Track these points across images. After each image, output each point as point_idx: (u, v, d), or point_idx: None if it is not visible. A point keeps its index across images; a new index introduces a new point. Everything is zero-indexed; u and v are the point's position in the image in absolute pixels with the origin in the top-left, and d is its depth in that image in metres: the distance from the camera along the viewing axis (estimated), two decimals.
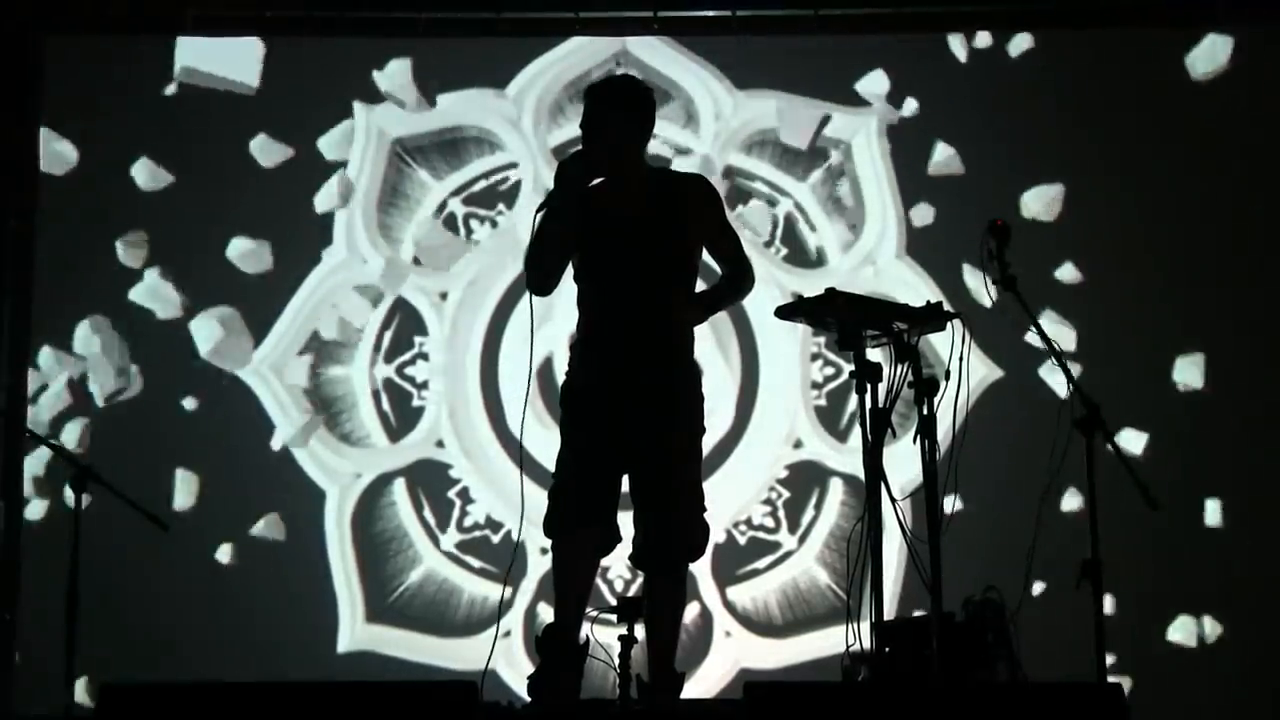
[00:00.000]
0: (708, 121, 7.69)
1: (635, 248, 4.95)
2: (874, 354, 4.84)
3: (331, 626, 7.39)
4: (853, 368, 4.79)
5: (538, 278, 5.01)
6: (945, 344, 4.89)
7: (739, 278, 5.15)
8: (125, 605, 7.13)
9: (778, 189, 7.64)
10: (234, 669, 6.90)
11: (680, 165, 7.49)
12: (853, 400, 7.24)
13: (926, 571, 4.71)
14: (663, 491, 4.94)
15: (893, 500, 4.79)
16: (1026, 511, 5.11)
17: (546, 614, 7.09)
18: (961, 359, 4.76)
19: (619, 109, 4.98)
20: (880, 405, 4.72)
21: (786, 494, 7.46)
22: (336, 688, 4.05)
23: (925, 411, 4.76)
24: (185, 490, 7.39)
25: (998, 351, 7.31)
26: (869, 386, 4.73)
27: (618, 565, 6.16)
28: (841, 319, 4.80)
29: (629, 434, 4.92)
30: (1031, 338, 6.74)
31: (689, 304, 5.06)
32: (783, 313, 5.02)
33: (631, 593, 6.53)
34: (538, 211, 4.98)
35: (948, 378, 4.76)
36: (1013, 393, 7.37)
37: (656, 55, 7.76)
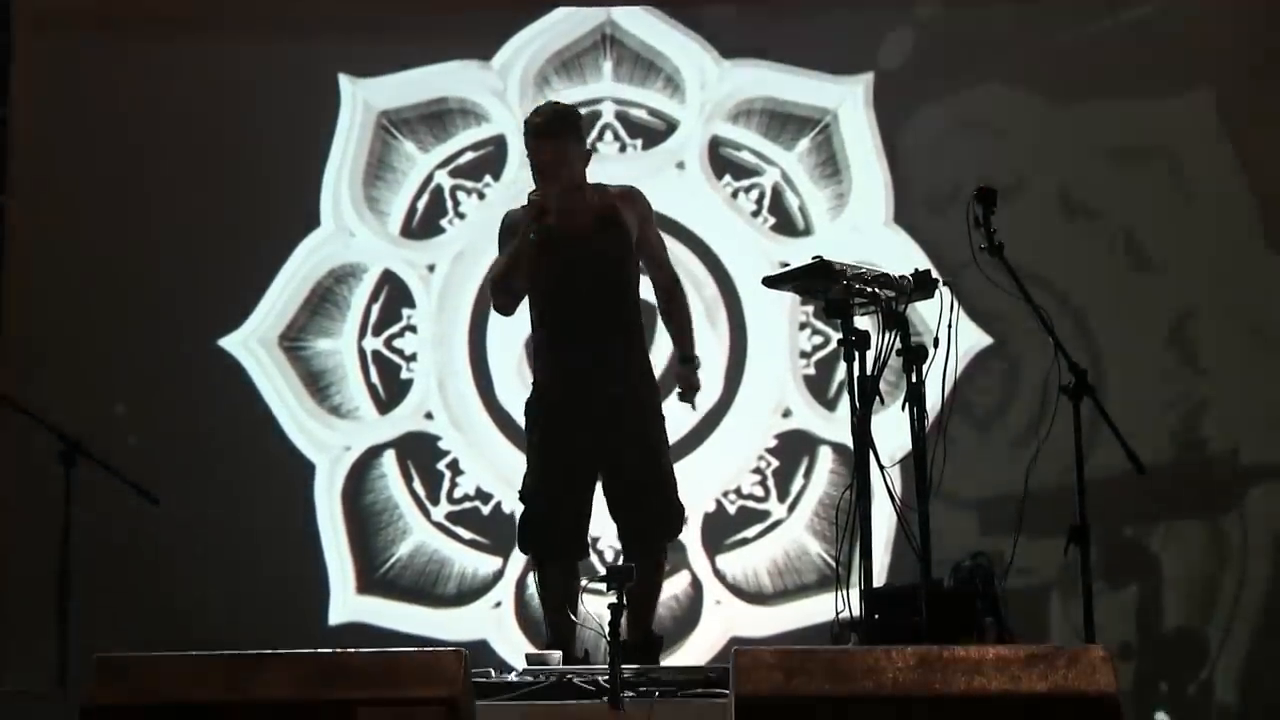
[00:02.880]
0: (694, 91, 7.67)
1: (586, 263, 5.29)
2: (862, 322, 4.85)
3: (322, 599, 7.40)
4: (841, 336, 4.81)
5: (506, 301, 5.38)
6: (934, 312, 4.91)
7: (671, 287, 5.54)
8: (114, 579, 7.13)
9: (765, 158, 7.63)
10: (224, 642, 6.91)
11: (670, 136, 7.57)
12: (841, 369, 7.24)
13: (915, 539, 4.74)
14: (641, 485, 5.30)
15: (881, 468, 4.81)
16: (1014, 478, 5.12)
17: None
18: (949, 326, 4.78)
19: (566, 137, 5.32)
20: (868, 373, 4.73)
21: (776, 463, 7.46)
22: (329, 656, 4.06)
23: (914, 379, 4.77)
24: (174, 464, 7.37)
25: (986, 318, 7.32)
26: (857, 355, 4.75)
27: (609, 535, 6.16)
28: (829, 287, 4.81)
29: (600, 440, 5.26)
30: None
31: (683, 372, 5.50)
32: (770, 282, 5.05)
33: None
34: (506, 235, 5.37)
35: (936, 345, 4.78)
36: (1002, 359, 7.38)
37: (642, 25, 7.72)
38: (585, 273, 5.30)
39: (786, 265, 5.37)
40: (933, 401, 4.89)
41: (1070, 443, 4.86)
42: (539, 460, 5.35)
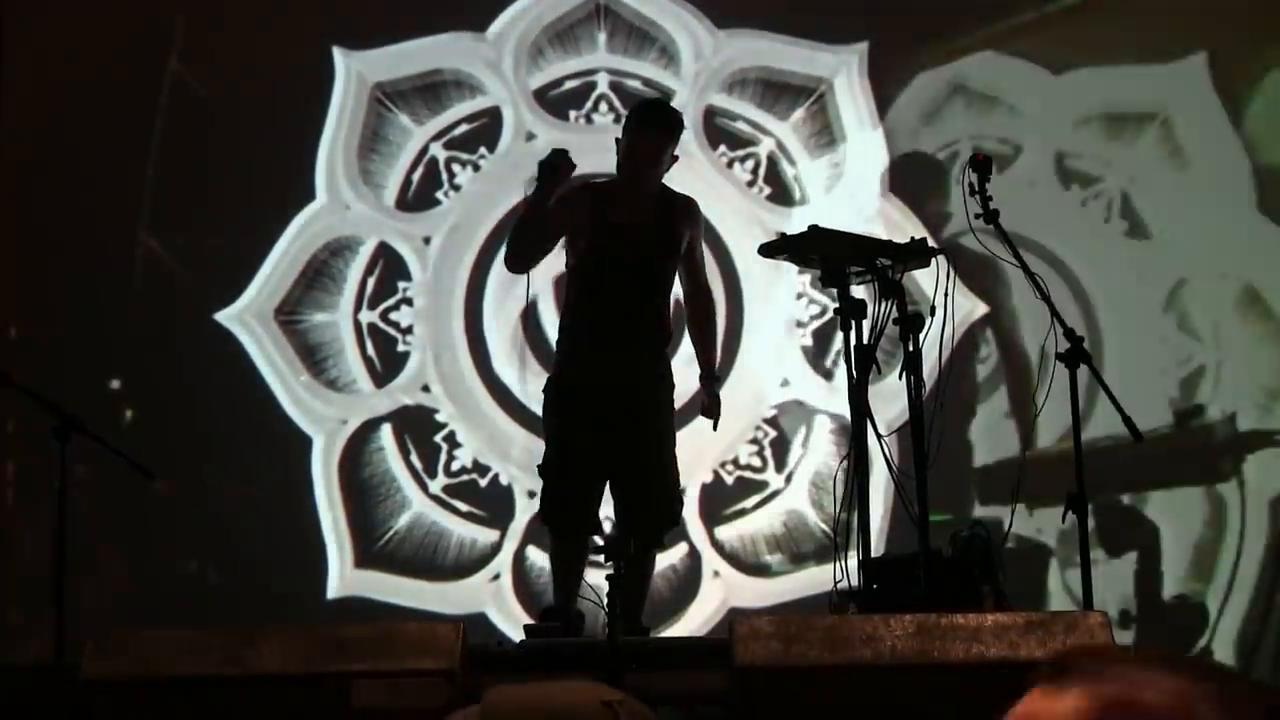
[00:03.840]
0: (688, 62, 7.63)
1: (640, 256, 5.37)
2: (858, 291, 4.84)
3: (319, 573, 7.40)
4: (837, 305, 4.80)
5: (521, 261, 5.48)
6: (930, 280, 4.90)
7: (706, 302, 5.66)
8: (112, 555, 7.13)
9: (760, 128, 7.60)
10: (222, 617, 6.91)
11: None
12: (838, 338, 7.24)
13: (913, 507, 4.74)
14: (649, 478, 5.39)
15: (879, 436, 4.81)
16: (1011, 446, 5.12)
17: (536, 556, 7.13)
18: (946, 295, 4.77)
19: (669, 138, 5.38)
20: (865, 342, 4.73)
21: (773, 433, 7.46)
22: (326, 629, 4.06)
23: (910, 348, 4.76)
24: (170, 439, 7.36)
25: (982, 286, 7.30)
26: (854, 324, 4.74)
27: (606, 507, 6.14)
28: (825, 256, 4.81)
29: (617, 430, 5.34)
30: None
31: (708, 385, 5.58)
32: (766, 250, 5.05)
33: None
34: (539, 178, 5.40)
35: (933, 314, 4.77)
36: (998, 327, 7.37)
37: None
38: (631, 269, 5.37)
39: (782, 234, 5.35)
40: (929, 370, 4.88)
41: (1067, 410, 4.85)
42: (559, 441, 5.45)
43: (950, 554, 5.04)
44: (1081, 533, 4.83)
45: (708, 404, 5.55)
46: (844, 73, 7.57)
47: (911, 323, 4.78)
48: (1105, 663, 1.29)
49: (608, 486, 5.45)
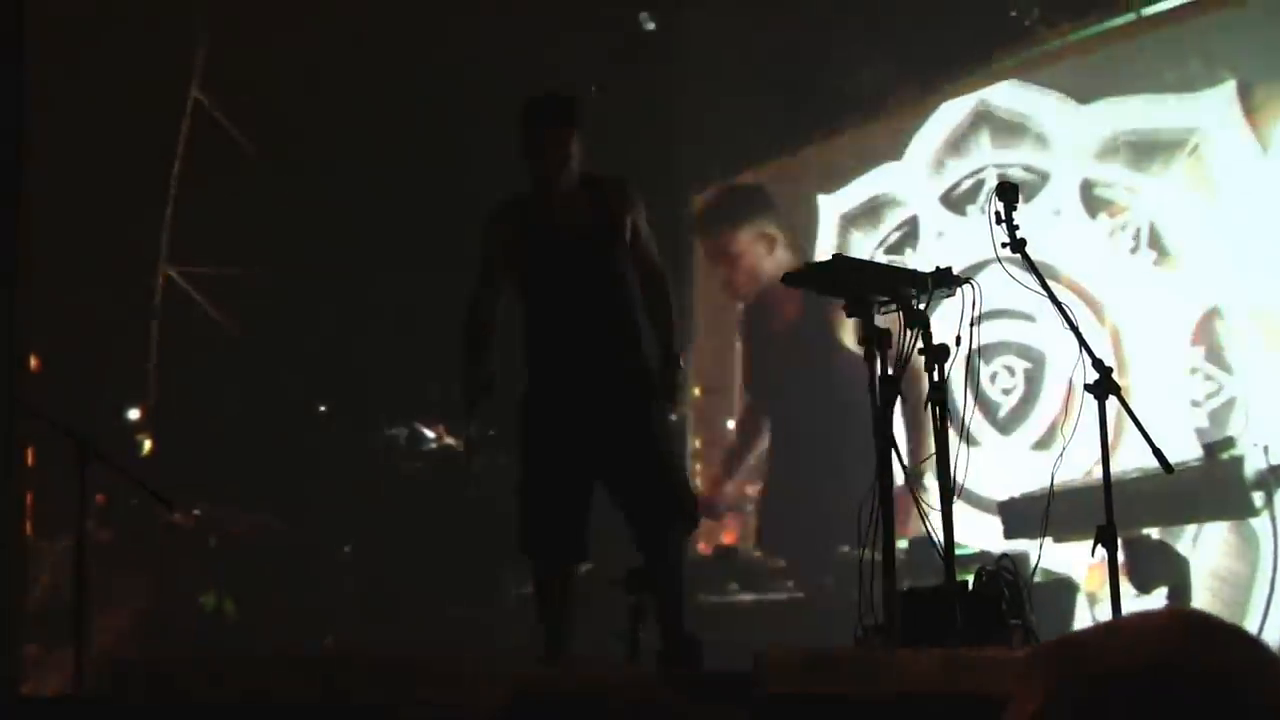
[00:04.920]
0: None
1: (581, 252, 5.24)
2: (883, 320, 4.83)
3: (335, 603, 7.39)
4: (863, 333, 4.79)
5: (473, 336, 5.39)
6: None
7: (656, 280, 5.41)
8: (131, 586, 7.15)
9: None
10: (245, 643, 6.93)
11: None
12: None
13: (939, 541, 4.71)
14: (643, 479, 5.22)
15: (904, 469, 4.78)
16: (1039, 479, 5.10)
17: None
18: (973, 325, 4.74)
19: (570, 127, 5.26)
20: (890, 372, 4.71)
21: None
22: (339, 661, 4.06)
23: (936, 378, 4.74)
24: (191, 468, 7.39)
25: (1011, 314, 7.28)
26: (878, 353, 4.72)
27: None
28: (849, 285, 4.79)
29: (595, 440, 5.19)
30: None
31: (666, 370, 5.31)
32: (791, 280, 5.03)
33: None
34: (490, 236, 5.38)
35: (958, 344, 4.74)
36: (1025, 358, 7.36)
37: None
38: (576, 269, 5.25)
39: (807, 264, 5.31)
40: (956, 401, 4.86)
41: (1095, 442, 4.83)
42: (530, 463, 5.29)
43: (977, 587, 5.00)
44: (1111, 567, 4.79)
45: (665, 388, 5.34)
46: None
47: (937, 353, 4.75)
48: (1064, 643, 1.33)
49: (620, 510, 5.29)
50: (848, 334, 8.58)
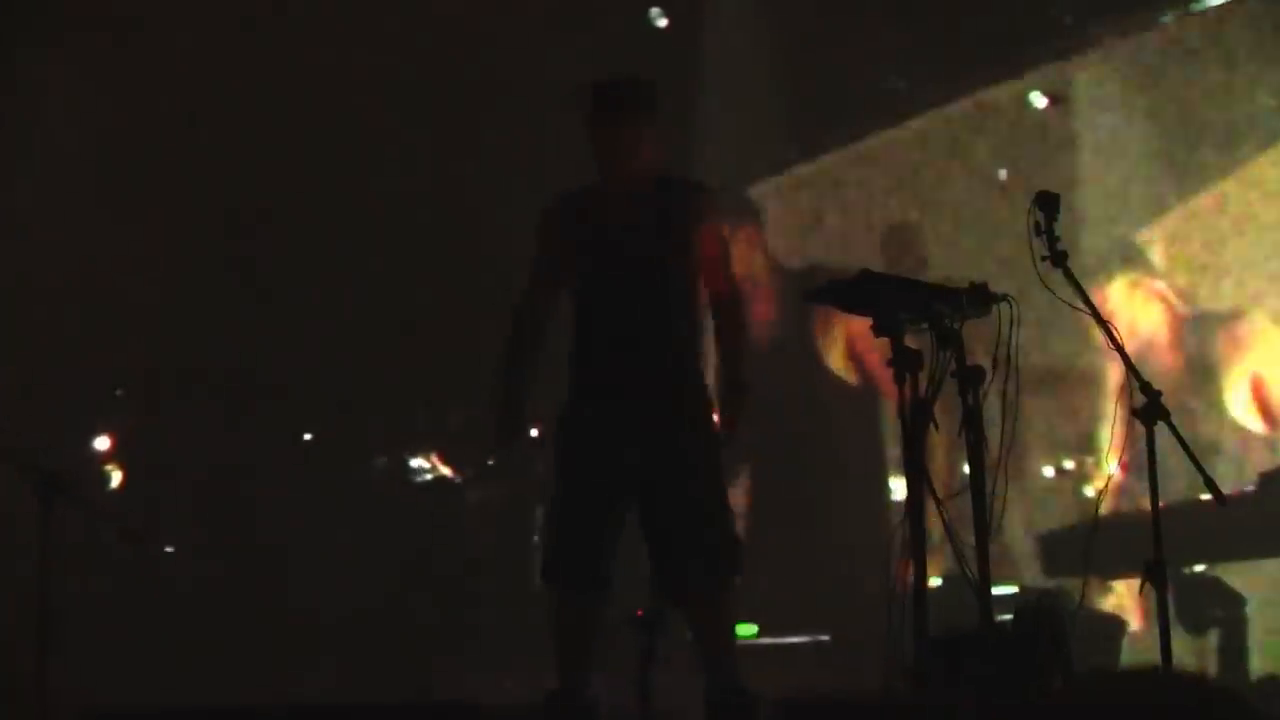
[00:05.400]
0: None
1: (640, 261, 5.12)
2: (913, 340, 4.82)
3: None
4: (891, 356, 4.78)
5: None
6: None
7: (729, 301, 5.28)
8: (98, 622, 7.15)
9: None
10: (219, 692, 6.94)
11: None
12: None
13: (975, 577, 4.70)
14: (687, 515, 5.09)
15: (937, 501, 4.77)
16: (1085, 509, 5.09)
17: None
18: (1010, 345, 4.74)
19: (642, 119, 5.13)
20: (921, 396, 4.70)
21: None
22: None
23: (970, 403, 4.74)
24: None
25: (1048, 335, 7.29)
26: (908, 376, 4.72)
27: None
28: (876, 302, 4.79)
29: (638, 463, 5.08)
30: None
31: (729, 399, 5.19)
32: (813, 297, 5.02)
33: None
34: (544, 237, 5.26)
35: (995, 366, 4.74)
36: (1067, 379, 7.36)
37: None
38: (634, 278, 5.14)
39: (831, 280, 5.29)
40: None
41: (1142, 470, 4.82)
42: (563, 480, 5.18)
43: (1016, 629, 4.99)
44: (1160, 605, 4.78)
45: (724, 418, 5.23)
46: None
47: (971, 376, 4.74)
48: None
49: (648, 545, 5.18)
50: (835, 351, 8.57)
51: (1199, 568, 7.25)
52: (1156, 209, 8.73)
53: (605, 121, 5.15)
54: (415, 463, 9.34)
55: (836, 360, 8.79)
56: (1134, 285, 8.98)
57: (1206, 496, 4.83)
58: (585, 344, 5.22)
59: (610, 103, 5.16)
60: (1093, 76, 8.12)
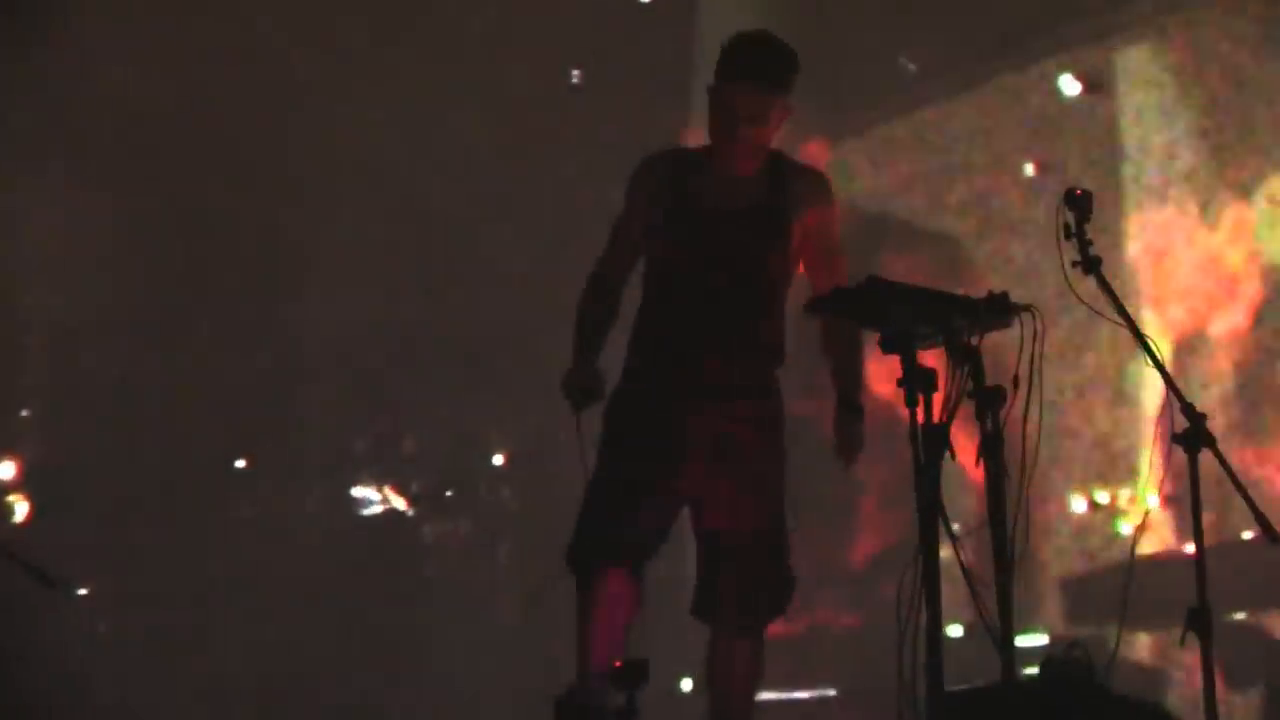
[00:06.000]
0: None
1: (735, 247, 5.13)
2: (927, 357, 4.82)
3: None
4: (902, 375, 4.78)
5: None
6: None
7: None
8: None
9: None
10: None
11: None
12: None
13: (995, 626, 4.69)
14: (752, 542, 5.11)
15: (952, 537, 4.77)
16: (1118, 548, 5.09)
17: None
18: (1033, 362, 4.74)
19: (782, 91, 5.13)
20: (936, 420, 4.70)
21: None
22: None
23: (990, 427, 4.73)
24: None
25: (1080, 350, 7.30)
26: (921, 397, 4.71)
27: None
28: (884, 314, 4.78)
29: (704, 467, 5.09)
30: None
31: (846, 421, 5.21)
32: (814, 307, 5.01)
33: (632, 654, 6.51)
34: (637, 190, 5.25)
35: (1016, 386, 4.74)
36: (1099, 400, 7.37)
37: None
38: (724, 263, 5.14)
39: (836, 289, 5.28)
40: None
41: (1184, 504, 4.82)
42: (612, 459, 5.14)
43: (1041, 683, 4.99)
44: (1204, 657, 4.79)
45: (840, 439, 5.24)
46: None
47: (991, 397, 4.74)
48: None
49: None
50: None
51: (1245, 615, 7.26)
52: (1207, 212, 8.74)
53: (754, 84, 5.12)
54: (361, 492, 9.33)
55: None
56: None
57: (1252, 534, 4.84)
58: (649, 327, 5.23)
59: (766, 62, 5.16)
60: (1135, 59, 8.13)
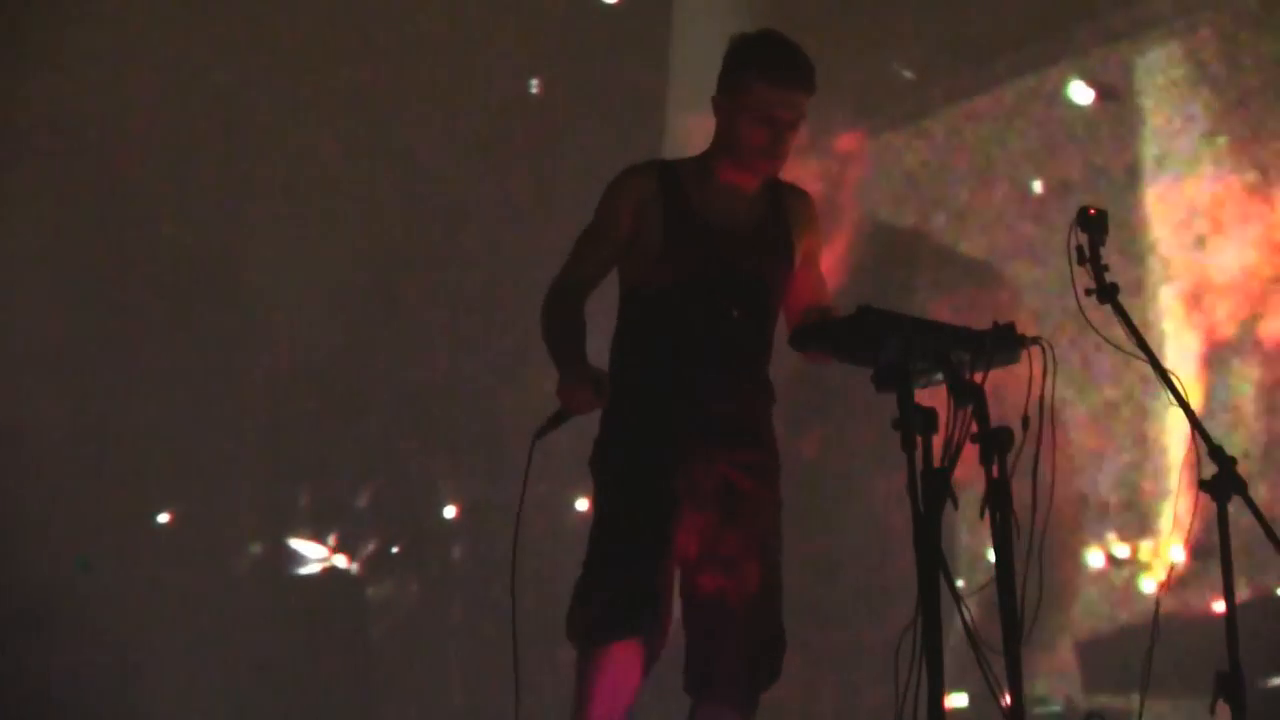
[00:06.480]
0: None
1: (736, 270, 5.12)
2: (925, 395, 4.81)
3: None
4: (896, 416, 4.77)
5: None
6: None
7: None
8: None
9: None
10: None
11: None
12: None
13: (1003, 694, 4.68)
14: (742, 602, 5.08)
15: (955, 596, 4.75)
16: (1139, 609, 5.09)
17: None
18: (1044, 400, 4.73)
19: (807, 96, 5.14)
20: (936, 465, 4.68)
21: None
22: None
23: (997, 474, 4.72)
24: None
25: (1095, 386, 7.31)
26: (920, 440, 4.70)
27: None
28: (877, 347, 4.77)
29: (702, 525, 5.07)
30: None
31: None
32: (800, 340, 5.00)
33: None
34: (610, 204, 5.21)
35: (1026, 427, 4.73)
36: (1117, 443, 7.38)
37: None
38: (723, 289, 5.14)
39: (824, 317, 5.27)
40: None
41: (1212, 557, 4.82)
42: (607, 514, 5.10)
43: None
44: None
45: None
46: None
47: (997, 439, 4.72)
48: None
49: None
50: None
51: None
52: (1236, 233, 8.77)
53: (799, 87, 5.14)
54: (299, 546, 9.31)
55: None
56: None
57: None
58: (636, 363, 5.19)
59: (803, 63, 5.17)
60: (1156, 62, 8.15)
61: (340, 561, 9.20)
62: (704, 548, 5.11)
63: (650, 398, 5.15)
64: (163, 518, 9.08)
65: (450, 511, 9.37)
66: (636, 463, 5.11)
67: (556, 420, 5.03)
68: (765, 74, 5.13)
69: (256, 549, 9.28)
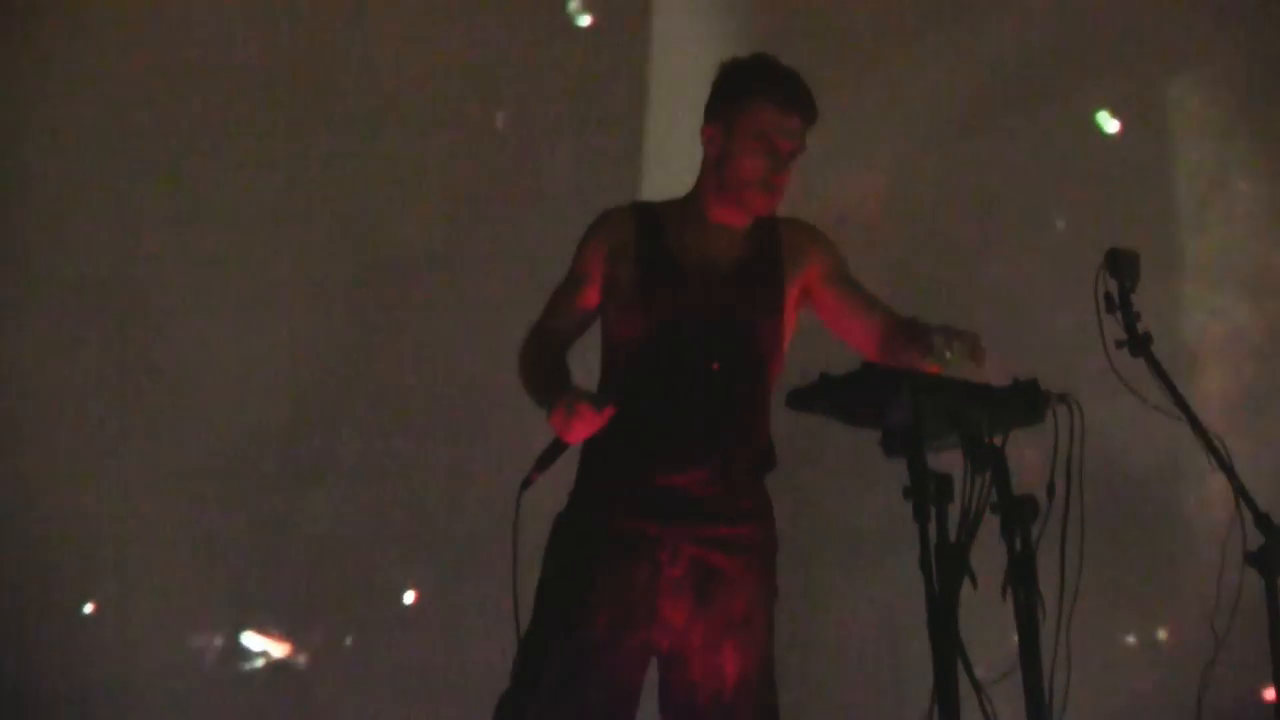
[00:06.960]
0: None
1: (719, 318, 5.12)
2: (940, 461, 4.80)
3: None
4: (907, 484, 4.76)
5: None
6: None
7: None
8: None
9: None
10: None
11: None
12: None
13: None
14: (735, 704, 5.04)
15: (975, 685, 4.74)
16: (1179, 696, 5.08)
17: None
18: (1071, 465, 4.72)
19: (809, 125, 5.19)
20: (953, 539, 4.67)
21: None
22: None
23: (1019, 547, 4.71)
24: None
25: (1126, 448, 7.31)
26: (934, 510, 4.69)
27: None
28: (885, 408, 4.76)
29: (680, 616, 5.02)
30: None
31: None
32: (798, 401, 4.98)
33: None
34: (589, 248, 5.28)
35: (1052, 496, 4.72)
36: (1152, 511, 7.39)
37: None
38: (707, 338, 5.12)
39: (824, 376, 5.26)
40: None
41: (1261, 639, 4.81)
42: (554, 620, 5.01)
43: None
44: None
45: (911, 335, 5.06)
46: None
47: (1020, 509, 4.72)
48: None
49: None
50: None
51: None
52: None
53: (802, 115, 5.18)
54: (246, 641, 9.28)
55: None
56: None
57: None
58: (626, 421, 5.04)
59: (805, 90, 5.21)
60: (1190, 92, 8.19)
61: (281, 653, 9.18)
62: (680, 642, 5.06)
63: (615, 466, 5.12)
64: (88, 608, 9.07)
65: (409, 597, 9.37)
66: (590, 545, 5.06)
67: (551, 454, 4.99)
68: (767, 95, 5.16)
69: (196, 640, 9.26)
